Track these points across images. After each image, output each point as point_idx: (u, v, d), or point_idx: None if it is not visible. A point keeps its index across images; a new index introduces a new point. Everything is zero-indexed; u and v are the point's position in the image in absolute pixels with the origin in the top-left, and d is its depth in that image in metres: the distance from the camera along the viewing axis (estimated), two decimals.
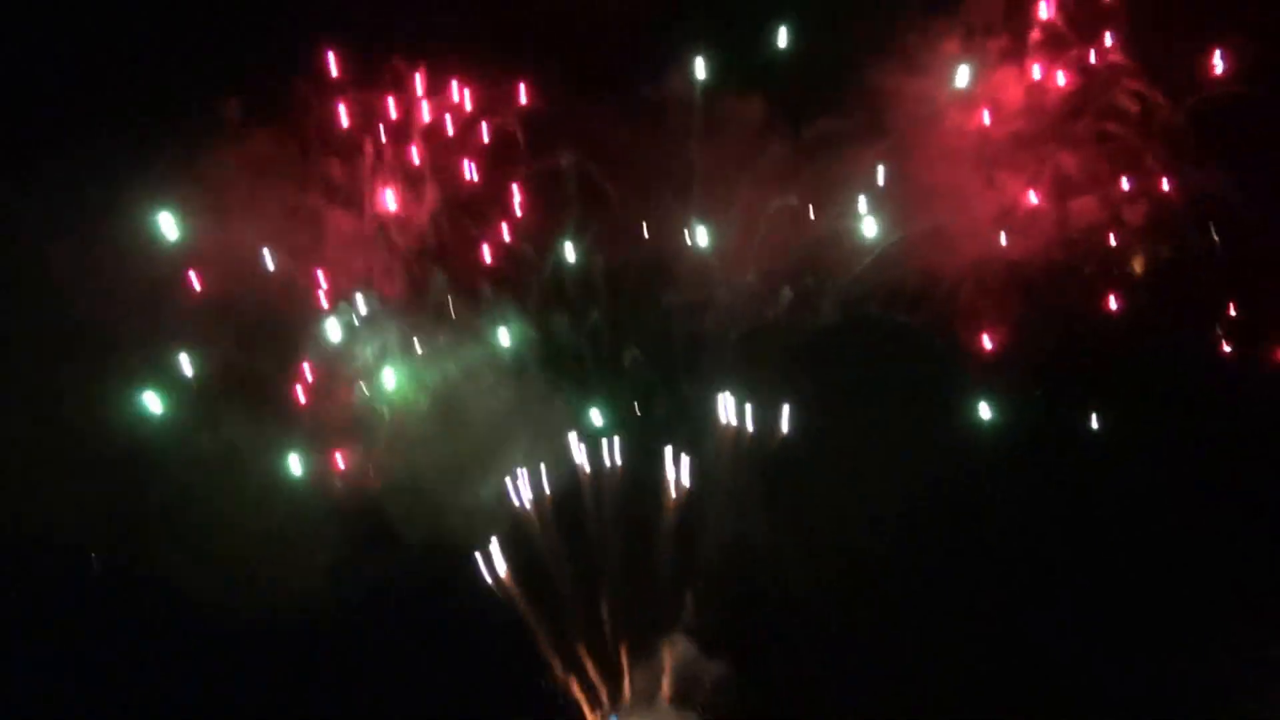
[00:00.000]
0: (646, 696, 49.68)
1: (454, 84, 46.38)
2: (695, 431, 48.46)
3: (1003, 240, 44.94)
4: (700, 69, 45.37)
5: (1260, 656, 42.31)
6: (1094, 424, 46.16)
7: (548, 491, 48.33)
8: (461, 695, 46.94)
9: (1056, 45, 45.57)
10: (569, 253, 46.98)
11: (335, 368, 46.27)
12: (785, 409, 47.09)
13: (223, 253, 43.94)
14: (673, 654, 49.86)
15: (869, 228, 45.78)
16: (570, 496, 48.80)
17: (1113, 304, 45.45)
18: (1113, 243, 45.12)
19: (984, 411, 46.31)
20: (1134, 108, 44.84)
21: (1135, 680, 43.79)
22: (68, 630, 44.29)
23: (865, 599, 46.31)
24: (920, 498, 45.60)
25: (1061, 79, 44.99)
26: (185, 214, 43.35)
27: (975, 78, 44.91)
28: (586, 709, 49.50)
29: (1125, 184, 44.96)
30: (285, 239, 45.01)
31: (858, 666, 46.01)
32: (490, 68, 46.20)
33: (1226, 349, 44.96)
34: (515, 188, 46.75)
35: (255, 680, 44.87)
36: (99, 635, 44.23)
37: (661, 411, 48.67)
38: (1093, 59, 45.24)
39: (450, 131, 46.68)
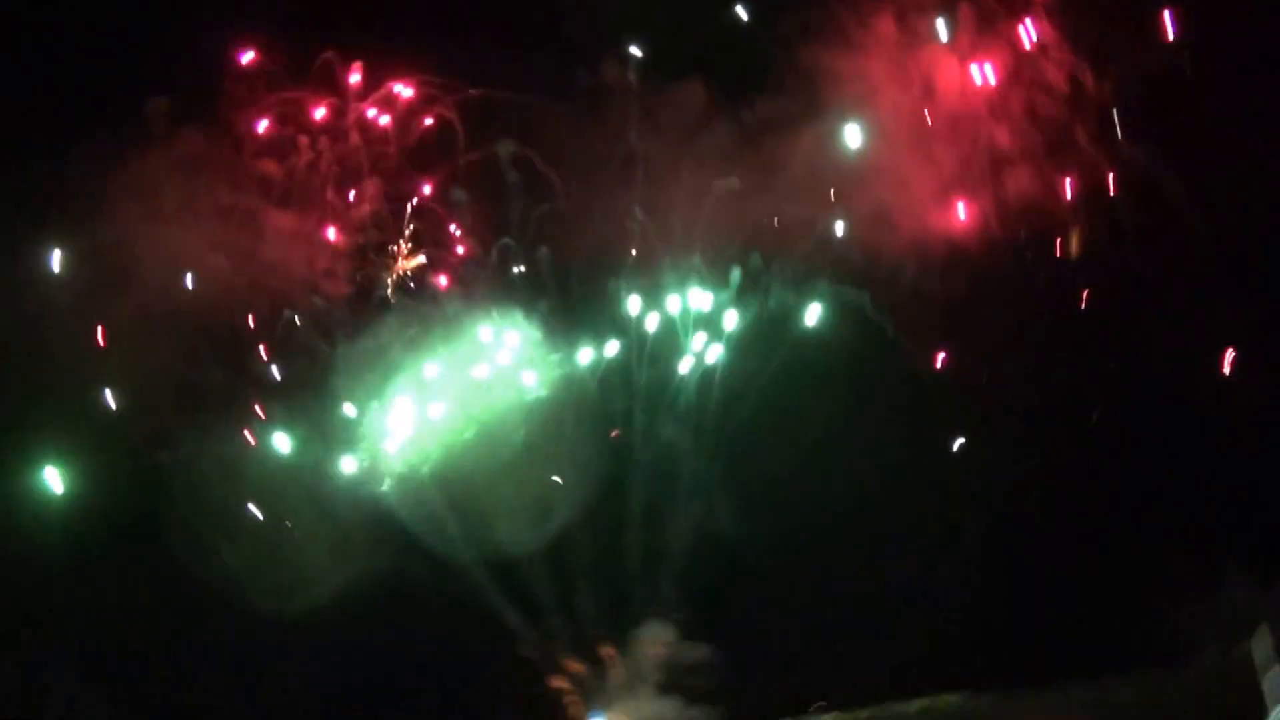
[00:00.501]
0: (628, 688, 49.88)
1: (388, 78, 45.80)
2: (653, 418, 48.55)
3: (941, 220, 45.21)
4: (637, 53, 45.36)
5: None
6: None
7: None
8: (442, 697, 47.38)
9: (986, 21, 46.11)
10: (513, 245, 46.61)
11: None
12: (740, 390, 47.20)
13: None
14: (649, 642, 50.78)
15: (812, 207, 45.81)
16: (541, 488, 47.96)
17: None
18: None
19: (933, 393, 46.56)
20: (1063, 85, 45.60)
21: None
22: None
23: (834, 572, 46.09)
24: (879, 474, 45.59)
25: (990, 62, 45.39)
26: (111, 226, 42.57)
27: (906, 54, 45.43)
28: (569, 709, 50.40)
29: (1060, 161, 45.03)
30: (222, 242, 44.34)
31: (835, 641, 46.44)
32: (425, 59, 45.66)
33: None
34: (455, 181, 46.22)
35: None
36: None
37: (619, 400, 48.55)
38: (1023, 34, 45.77)
39: (385, 126, 46.19)
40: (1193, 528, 43.94)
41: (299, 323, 45.53)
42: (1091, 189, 44.80)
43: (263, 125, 45.03)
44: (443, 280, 46.76)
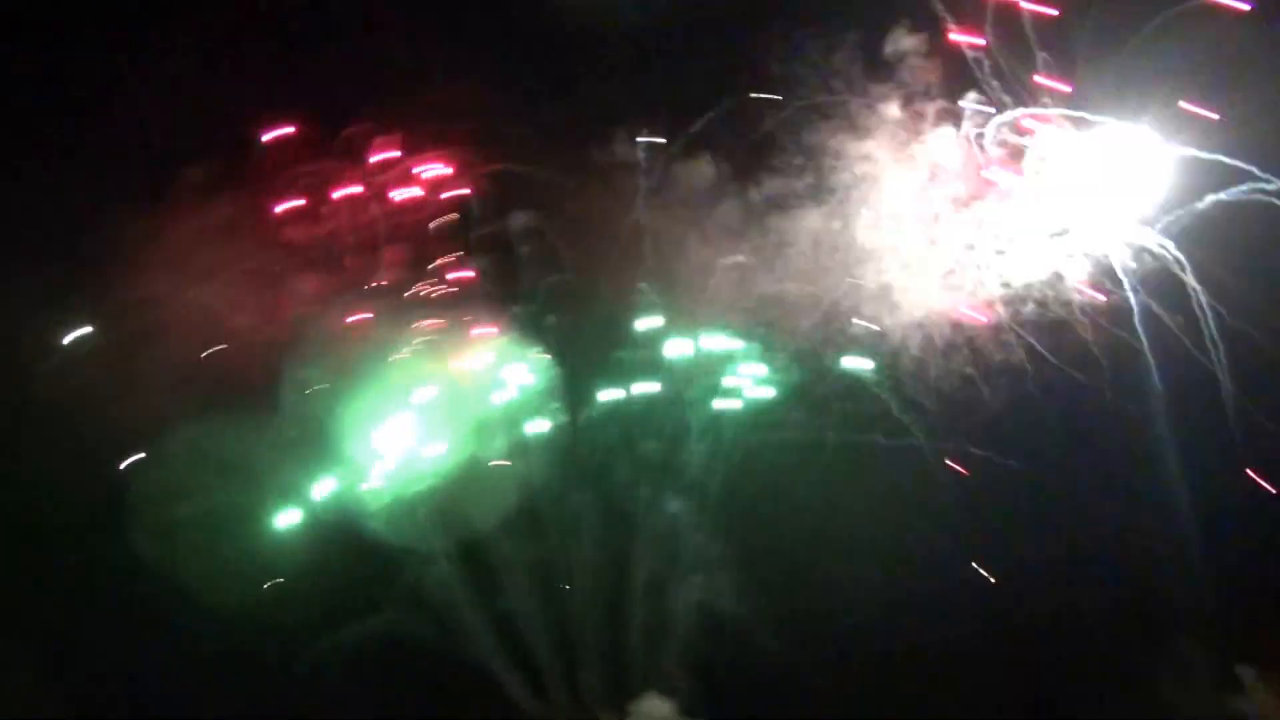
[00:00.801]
0: None
1: (410, 153, 47.19)
2: (659, 490, 49.29)
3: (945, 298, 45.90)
4: (648, 133, 46.46)
5: None
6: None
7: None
8: None
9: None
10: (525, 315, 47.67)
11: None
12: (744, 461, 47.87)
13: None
14: (648, 714, 50.85)
15: (815, 285, 46.60)
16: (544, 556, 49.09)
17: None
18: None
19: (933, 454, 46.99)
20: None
21: None
22: None
23: (842, 664, 46.57)
24: (885, 556, 46.04)
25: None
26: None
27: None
28: None
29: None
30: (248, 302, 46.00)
31: None
32: (446, 135, 46.89)
33: None
34: (469, 252, 47.54)
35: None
36: None
37: (624, 471, 49.14)
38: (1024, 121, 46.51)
39: (404, 200, 47.74)
40: (1209, 625, 43.76)
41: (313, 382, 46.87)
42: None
43: (289, 194, 46.80)
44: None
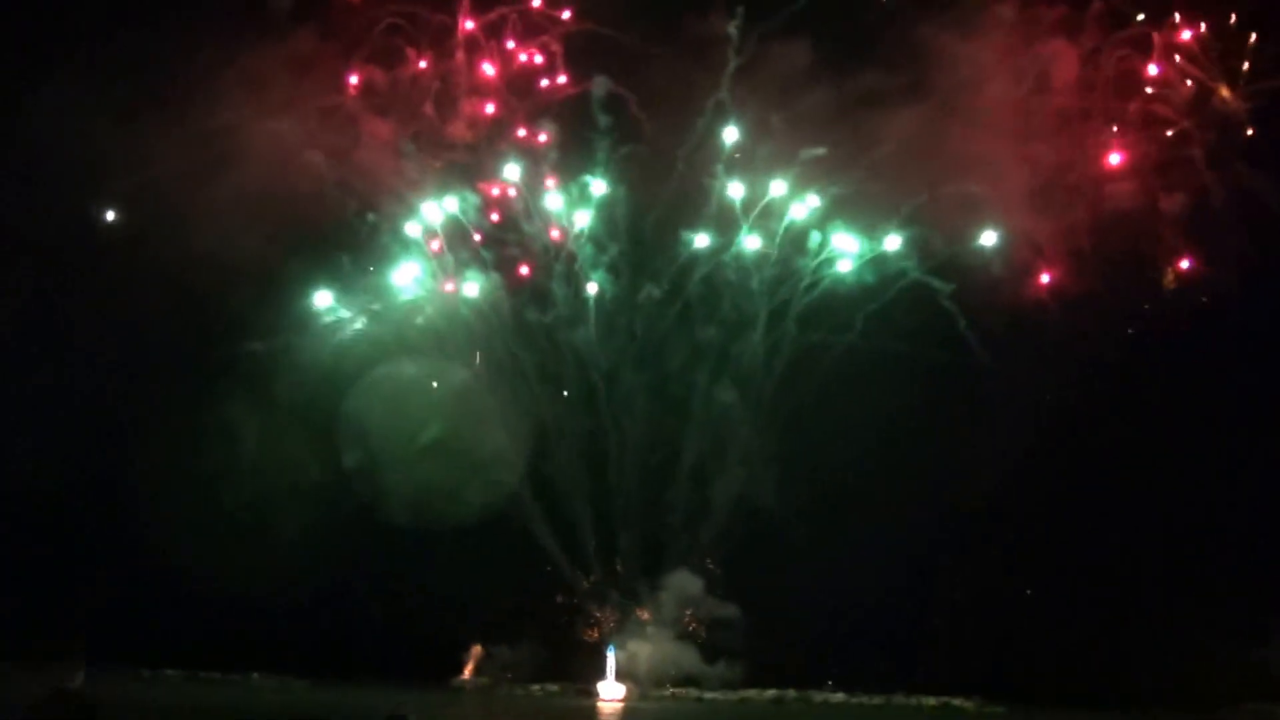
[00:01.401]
0: (650, 629, 50.77)
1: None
2: (709, 379, 48.61)
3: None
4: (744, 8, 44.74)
5: None
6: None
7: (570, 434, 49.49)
8: (482, 610, 49.19)
9: (1117, 21, 44.16)
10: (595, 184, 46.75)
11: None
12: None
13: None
14: (678, 590, 51.52)
15: (900, 186, 44.75)
16: (592, 438, 49.63)
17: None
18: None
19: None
20: (1189, 93, 43.43)
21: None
22: None
23: (871, 564, 45.37)
24: (933, 469, 45.26)
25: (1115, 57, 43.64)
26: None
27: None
28: (590, 632, 51.19)
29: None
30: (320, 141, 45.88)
31: (859, 627, 46.45)
32: None
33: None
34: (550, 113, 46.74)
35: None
36: None
37: (676, 357, 48.60)
38: (1154, 38, 43.74)
39: (491, 48, 46.88)
40: (1249, 581, 42.52)
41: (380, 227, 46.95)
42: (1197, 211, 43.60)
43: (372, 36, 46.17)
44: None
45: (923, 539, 45.74)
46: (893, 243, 45.58)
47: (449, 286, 48.06)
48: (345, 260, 47.06)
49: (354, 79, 46.49)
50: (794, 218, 46.36)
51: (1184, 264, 44.86)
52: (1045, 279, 44.64)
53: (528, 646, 51.08)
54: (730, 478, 49.01)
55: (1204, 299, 43.74)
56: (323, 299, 47.18)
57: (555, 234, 47.71)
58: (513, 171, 47.02)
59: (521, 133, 47.55)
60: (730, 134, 46.54)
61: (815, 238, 46.57)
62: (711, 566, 50.10)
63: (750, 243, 47.10)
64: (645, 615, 50.61)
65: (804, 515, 46.56)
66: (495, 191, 47.34)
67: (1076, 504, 44.77)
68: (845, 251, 46.20)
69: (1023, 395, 44.85)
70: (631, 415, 49.48)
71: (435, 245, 47.22)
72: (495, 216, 47.69)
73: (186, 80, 44.75)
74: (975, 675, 45.79)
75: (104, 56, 43.42)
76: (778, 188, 45.77)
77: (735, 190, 46.36)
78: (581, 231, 47.37)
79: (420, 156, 46.58)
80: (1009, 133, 43.72)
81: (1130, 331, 45.32)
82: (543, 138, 47.12)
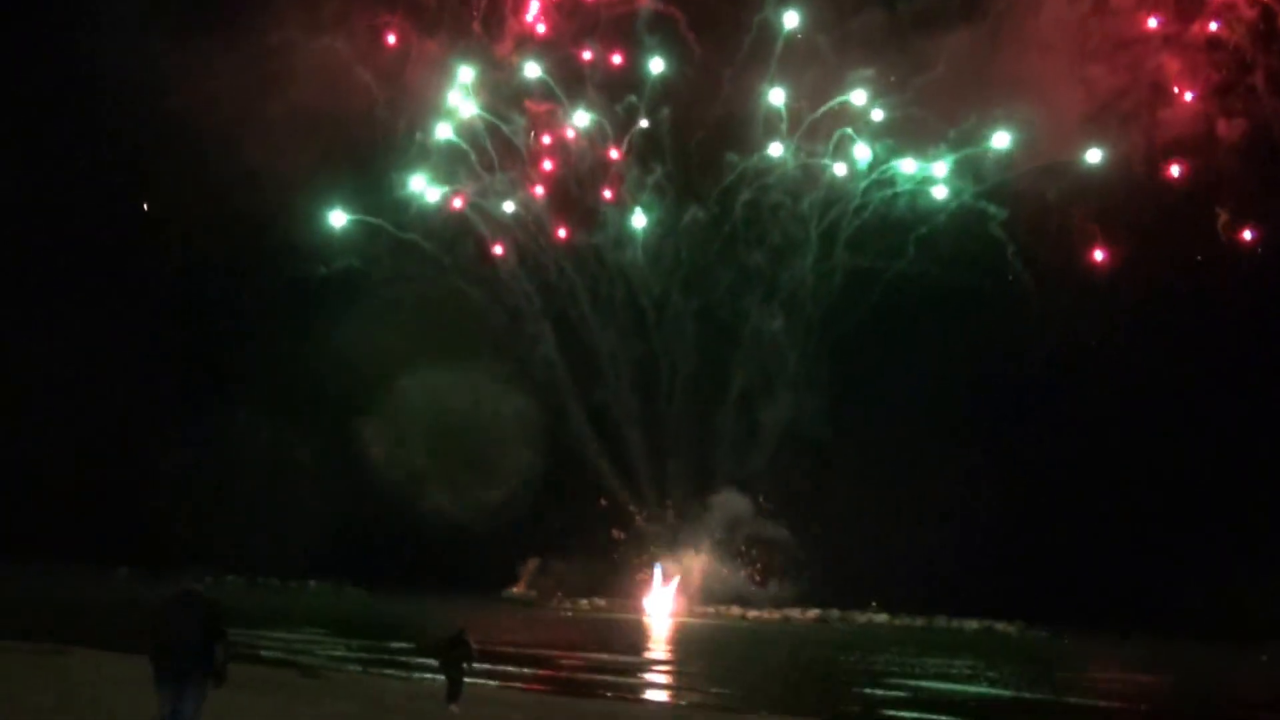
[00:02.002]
0: (695, 547, 51.70)
1: None
2: (758, 305, 49.26)
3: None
4: None
5: None
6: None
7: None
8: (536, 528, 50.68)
9: None
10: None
11: None
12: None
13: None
14: (725, 509, 52.20)
15: (947, 112, 43.93)
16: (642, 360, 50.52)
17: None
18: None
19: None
20: (1252, 14, 41.73)
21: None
22: None
23: (918, 487, 46.03)
24: (979, 392, 45.49)
25: None
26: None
27: None
28: (639, 551, 52.66)
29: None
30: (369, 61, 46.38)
31: (905, 550, 46.16)
32: None
33: None
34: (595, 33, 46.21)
35: None
36: None
37: (723, 278, 49.00)
38: None
39: None
40: None
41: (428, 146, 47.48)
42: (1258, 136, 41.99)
43: None
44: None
45: (970, 465, 45.35)
46: (940, 169, 45.08)
47: (508, 206, 48.64)
48: (393, 177, 47.74)
49: None
50: (847, 133, 45.88)
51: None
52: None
53: (579, 563, 53.38)
54: (779, 403, 49.72)
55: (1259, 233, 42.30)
56: (337, 218, 47.95)
57: (610, 152, 47.81)
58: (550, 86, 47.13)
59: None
60: (778, 50, 45.67)
61: (865, 159, 46.20)
62: (759, 490, 51.16)
63: (797, 161, 46.86)
64: (693, 535, 52.05)
65: (852, 440, 46.80)
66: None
67: (1121, 432, 44.25)
68: (900, 172, 45.77)
69: (1071, 323, 44.23)
70: (681, 341, 50.01)
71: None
72: (546, 138, 48.10)
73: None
74: (1018, 600, 46.25)
75: None
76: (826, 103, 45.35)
77: (777, 97, 45.90)
78: (629, 150, 47.49)
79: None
80: (1061, 55, 42.37)
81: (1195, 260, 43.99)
82: (587, 55, 46.98)
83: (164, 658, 8.06)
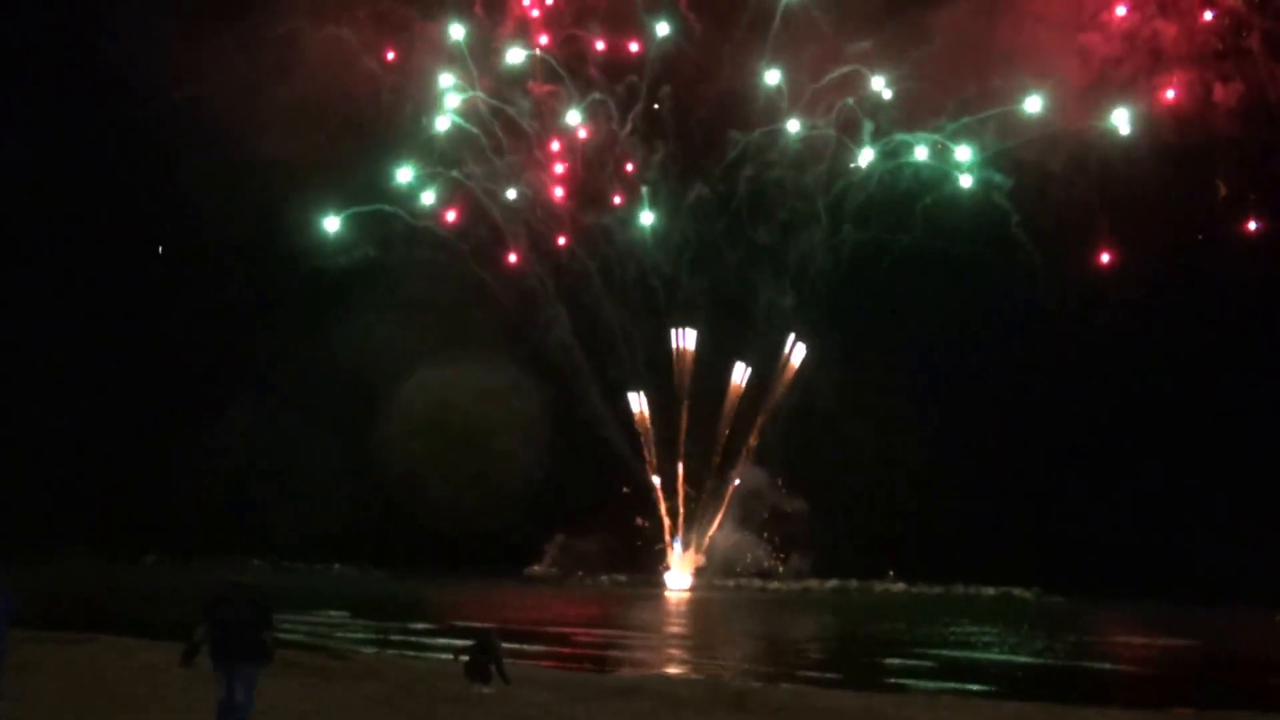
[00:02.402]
0: (714, 520, 52.28)
1: None
2: (770, 280, 49.48)
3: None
4: None
5: None
6: None
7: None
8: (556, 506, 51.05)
9: None
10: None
11: None
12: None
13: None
14: (742, 484, 52.33)
15: (953, 84, 43.91)
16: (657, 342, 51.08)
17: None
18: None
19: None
20: None
21: None
22: None
23: (934, 460, 46.67)
24: (993, 360, 45.44)
25: None
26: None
27: None
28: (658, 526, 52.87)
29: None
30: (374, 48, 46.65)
31: (921, 519, 47.19)
32: None
33: None
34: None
35: None
36: None
37: (731, 256, 49.13)
38: None
39: None
40: None
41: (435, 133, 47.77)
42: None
43: None
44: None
45: (983, 435, 45.97)
46: (921, 153, 45.40)
47: (511, 194, 48.93)
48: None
49: None
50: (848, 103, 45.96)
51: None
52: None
53: (599, 540, 53.86)
54: (791, 380, 50.14)
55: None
56: (331, 224, 48.46)
57: (615, 133, 47.83)
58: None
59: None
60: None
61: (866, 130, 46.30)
62: (772, 462, 51.54)
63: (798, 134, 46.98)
64: (711, 509, 52.54)
65: (865, 412, 46.99)
66: None
67: (1135, 403, 44.44)
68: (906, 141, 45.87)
69: (1082, 294, 44.58)
70: (693, 318, 50.46)
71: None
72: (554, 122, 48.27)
73: None
74: (1034, 567, 46.65)
75: None
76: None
77: (773, 77, 46.02)
78: (633, 130, 47.59)
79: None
80: (1061, 25, 42.33)
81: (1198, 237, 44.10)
82: (600, 45, 47.24)
83: (217, 644, 9.03)
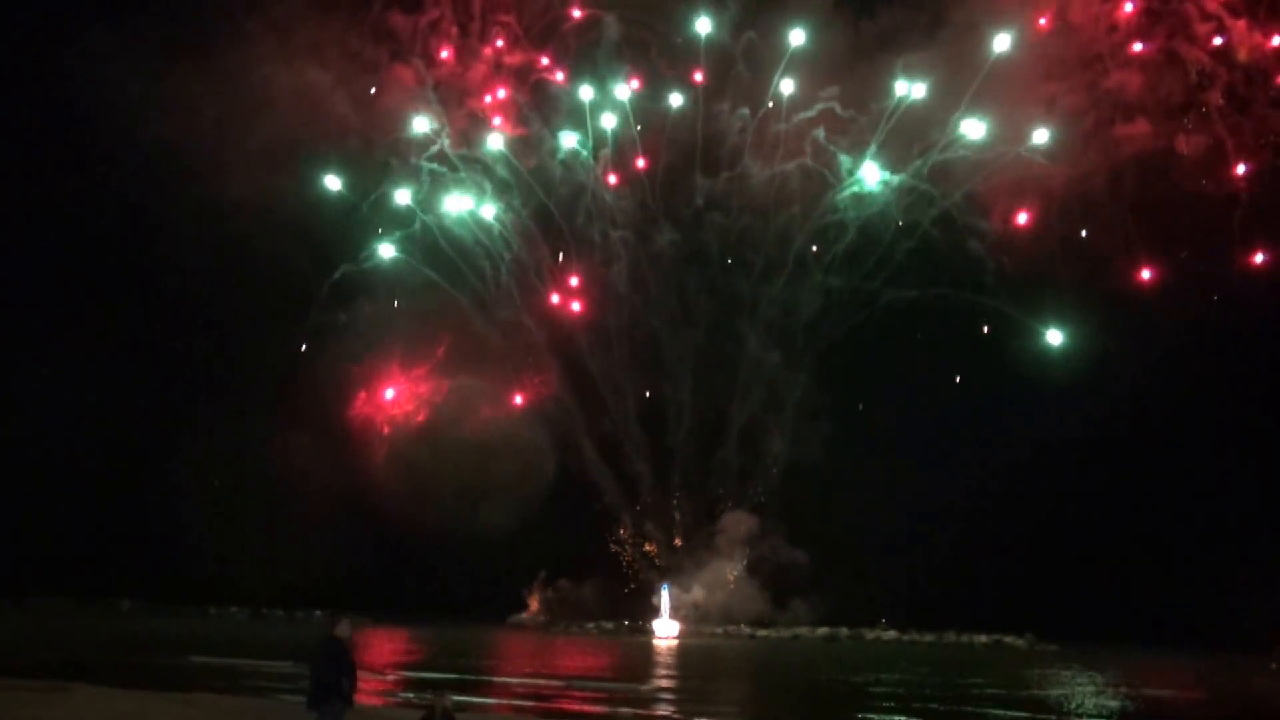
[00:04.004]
0: (703, 568, 51.68)
1: None
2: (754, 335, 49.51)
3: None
4: None
5: None
6: None
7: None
8: (544, 553, 50.96)
9: None
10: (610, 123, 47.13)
11: None
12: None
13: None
14: (732, 531, 51.87)
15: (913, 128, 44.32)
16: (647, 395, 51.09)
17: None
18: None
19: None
20: (1210, 32, 41.92)
21: None
22: None
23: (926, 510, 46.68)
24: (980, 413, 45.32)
25: None
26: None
27: None
28: (645, 573, 52.44)
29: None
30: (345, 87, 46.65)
31: (911, 566, 46.92)
32: None
33: None
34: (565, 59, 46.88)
35: None
36: None
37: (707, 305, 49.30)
38: None
39: None
40: None
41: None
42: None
43: None
44: None
45: (974, 484, 45.92)
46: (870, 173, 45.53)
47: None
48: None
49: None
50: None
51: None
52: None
53: (587, 588, 53.09)
54: (779, 432, 50.14)
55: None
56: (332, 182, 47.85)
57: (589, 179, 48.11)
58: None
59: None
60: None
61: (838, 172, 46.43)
62: (764, 512, 51.12)
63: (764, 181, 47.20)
64: (700, 556, 51.91)
65: (853, 464, 47.07)
66: None
67: (1124, 449, 44.10)
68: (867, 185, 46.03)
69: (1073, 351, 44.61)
70: (680, 372, 50.54)
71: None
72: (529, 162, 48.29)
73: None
74: (1027, 615, 46.06)
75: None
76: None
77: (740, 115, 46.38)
78: (604, 173, 47.69)
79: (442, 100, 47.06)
80: (1024, 75, 42.68)
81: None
82: (559, 76, 47.53)
83: (311, 686, 10.69)
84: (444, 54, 46.68)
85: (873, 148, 44.97)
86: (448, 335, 48.68)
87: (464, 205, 47.74)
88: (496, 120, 46.96)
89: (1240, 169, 41.34)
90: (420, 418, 49.29)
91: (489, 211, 48.27)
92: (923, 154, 44.21)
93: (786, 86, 45.37)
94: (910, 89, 43.96)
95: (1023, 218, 43.99)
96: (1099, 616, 44.36)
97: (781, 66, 45.27)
